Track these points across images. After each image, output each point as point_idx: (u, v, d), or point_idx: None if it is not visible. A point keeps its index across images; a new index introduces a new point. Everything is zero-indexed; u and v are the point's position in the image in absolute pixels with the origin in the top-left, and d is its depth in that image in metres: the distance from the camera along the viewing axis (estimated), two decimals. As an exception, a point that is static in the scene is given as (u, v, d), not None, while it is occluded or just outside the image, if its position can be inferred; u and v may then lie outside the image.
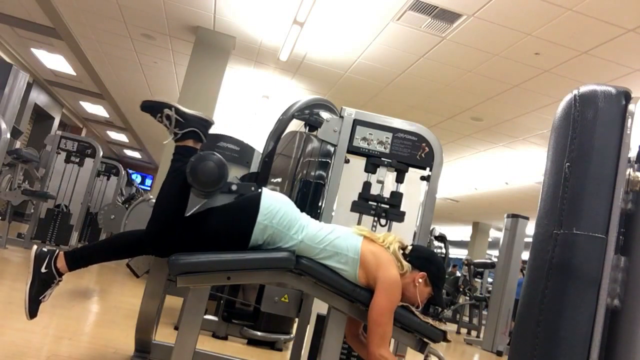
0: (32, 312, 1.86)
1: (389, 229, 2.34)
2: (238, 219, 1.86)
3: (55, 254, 1.90)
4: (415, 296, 1.89)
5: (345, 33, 5.78)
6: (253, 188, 2.10)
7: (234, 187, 2.06)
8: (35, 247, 1.92)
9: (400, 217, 2.35)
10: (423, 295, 1.91)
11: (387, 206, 2.34)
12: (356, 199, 2.36)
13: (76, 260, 1.93)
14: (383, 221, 2.36)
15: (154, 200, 2.07)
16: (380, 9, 5.09)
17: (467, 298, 9.01)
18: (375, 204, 2.35)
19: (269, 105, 8.93)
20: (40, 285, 1.86)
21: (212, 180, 1.88)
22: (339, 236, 1.87)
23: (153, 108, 1.96)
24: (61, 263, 1.89)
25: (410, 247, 1.96)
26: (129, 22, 6.71)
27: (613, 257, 1.49)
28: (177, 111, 1.95)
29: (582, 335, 1.46)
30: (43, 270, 1.86)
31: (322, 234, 1.86)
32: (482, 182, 11.14)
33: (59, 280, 1.91)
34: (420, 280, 1.89)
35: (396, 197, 2.36)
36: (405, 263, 1.88)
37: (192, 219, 1.91)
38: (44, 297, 1.88)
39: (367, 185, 2.38)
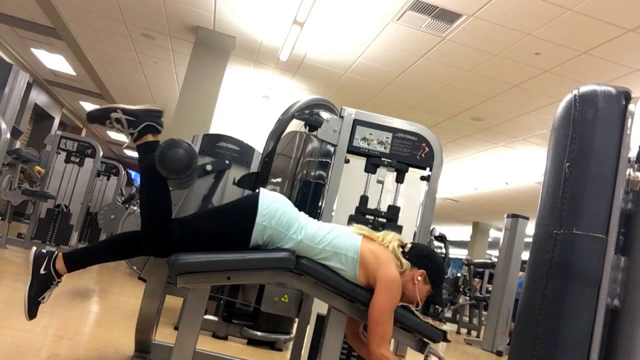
0: (32, 313, 1.86)
1: None
2: (237, 221, 1.85)
3: (54, 256, 1.90)
4: (414, 294, 1.89)
5: (345, 33, 5.78)
6: (227, 161, 2.06)
7: (208, 167, 2.03)
8: (34, 248, 1.92)
9: (397, 231, 2.34)
10: (422, 293, 1.91)
11: (385, 220, 2.33)
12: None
13: (75, 262, 1.92)
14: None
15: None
16: (380, 9, 5.09)
17: (467, 298, 9.01)
18: (372, 217, 2.33)
19: (269, 105, 8.93)
20: (40, 287, 1.86)
21: (182, 166, 1.86)
22: (337, 235, 1.87)
23: (100, 116, 1.91)
24: (60, 264, 1.89)
25: (409, 245, 1.96)
26: (129, 22, 6.71)
27: (613, 257, 1.49)
28: (125, 111, 1.90)
29: (582, 335, 1.46)
30: (42, 271, 1.86)
31: (321, 234, 1.86)
32: (482, 182, 11.14)
33: (58, 282, 1.91)
34: (419, 278, 1.89)
35: (393, 210, 2.35)
36: (404, 261, 1.89)
37: (191, 222, 1.91)
38: (43, 299, 1.88)
39: (364, 199, 2.37)
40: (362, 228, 1.96)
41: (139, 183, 1.96)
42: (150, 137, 1.92)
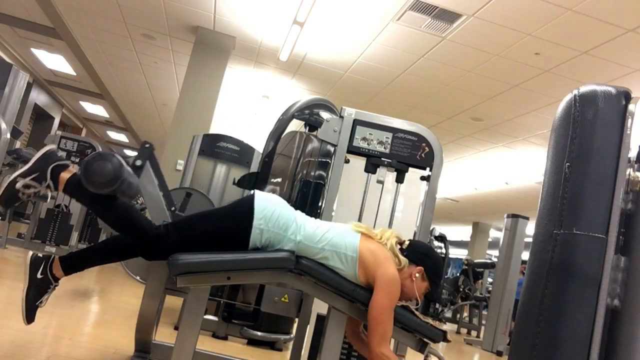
0: (30, 317, 1.86)
1: None
2: (234, 226, 1.84)
3: (51, 259, 1.89)
4: (412, 291, 1.89)
5: (345, 33, 5.78)
6: (147, 145, 2.02)
7: (138, 163, 1.98)
8: (30, 252, 1.91)
9: None
10: (420, 290, 1.91)
11: None
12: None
13: (72, 265, 1.92)
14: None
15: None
16: (380, 9, 5.09)
17: (462, 297, 9.00)
18: None
19: (269, 105, 8.93)
20: (37, 291, 1.86)
21: (111, 174, 1.76)
22: (336, 234, 1.86)
23: (9, 197, 1.81)
24: (57, 268, 1.88)
25: (407, 242, 1.96)
26: (129, 22, 6.71)
27: (613, 257, 1.50)
28: (23, 174, 1.82)
29: (582, 335, 1.46)
30: (39, 275, 1.86)
31: (319, 233, 1.86)
32: (482, 182, 11.14)
33: (55, 286, 1.91)
34: (417, 274, 1.89)
35: None
36: (402, 258, 1.88)
37: (187, 224, 1.90)
38: (40, 303, 1.88)
39: None
40: (360, 225, 1.96)
41: (95, 214, 1.92)
42: (66, 175, 1.85)
